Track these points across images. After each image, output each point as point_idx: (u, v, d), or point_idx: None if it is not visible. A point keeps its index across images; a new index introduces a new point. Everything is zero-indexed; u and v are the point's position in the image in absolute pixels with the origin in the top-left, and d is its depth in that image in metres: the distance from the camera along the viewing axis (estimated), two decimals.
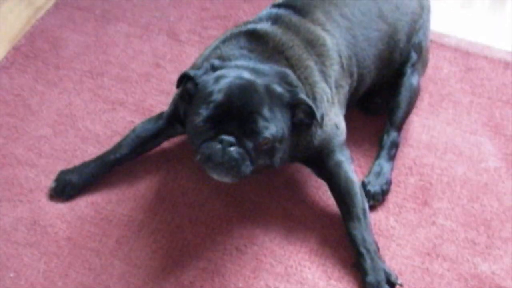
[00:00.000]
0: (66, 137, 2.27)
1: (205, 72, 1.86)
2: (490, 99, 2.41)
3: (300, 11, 2.05)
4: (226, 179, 1.81)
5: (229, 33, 2.02)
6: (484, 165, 2.23)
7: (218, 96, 1.76)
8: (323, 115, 1.90)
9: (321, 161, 2.02)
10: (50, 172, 2.17)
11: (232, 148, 1.74)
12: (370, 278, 1.92)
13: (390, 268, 1.96)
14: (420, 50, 2.26)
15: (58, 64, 2.48)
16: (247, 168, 1.77)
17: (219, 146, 1.75)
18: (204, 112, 1.76)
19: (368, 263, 1.93)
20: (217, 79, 1.80)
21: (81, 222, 2.07)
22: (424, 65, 2.34)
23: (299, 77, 1.92)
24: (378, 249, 1.98)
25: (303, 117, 1.84)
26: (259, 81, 1.80)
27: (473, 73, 2.48)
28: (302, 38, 1.99)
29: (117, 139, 2.20)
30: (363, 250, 1.94)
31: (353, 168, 2.05)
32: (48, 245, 2.02)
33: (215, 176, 1.81)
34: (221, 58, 1.91)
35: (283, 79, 1.85)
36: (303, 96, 1.82)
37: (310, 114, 1.83)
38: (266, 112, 1.75)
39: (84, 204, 2.11)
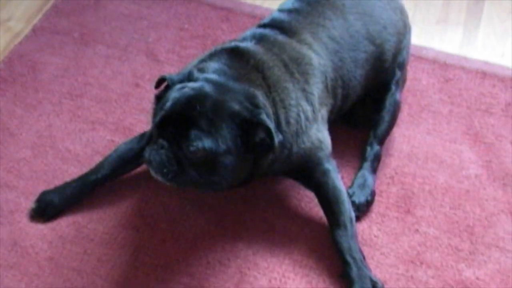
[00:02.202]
0: (46, 158, 2.26)
1: (181, 79, 1.87)
2: (468, 108, 2.42)
3: (287, 32, 2.04)
4: (160, 179, 1.84)
5: (214, 49, 2.02)
6: (465, 173, 2.23)
7: (167, 104, 1.80)
8: (283, 142, 1.88)
9: (308, 172, 2.01)
10: (30, 194, 2.15)
11: (161, 151, 1.79)
12: (357, 286, 1.91)
13: (375, 277, 1.95)
14: (403, 67, 2.29)
15: (37, 88, 2.47)
16: (175, 173, 1.80)
17: (154, 147, 1.81)
18: (157, 118, 1.81)
19: (354, 272, 1.92)
20: (180, 89, 1.82)
21: (62, 242, 2.05)
22: (404, 79, 2.36)
23: (274, 99, 1.89)
24: (364, 257, 1.97)
25: (264, 136, 1.80)
26: (214, 95, 1.79)
27: (451, 83, 2.50)
28: (286, 57, 1.97)
29: (97, 158, 2.19)
30: (349, 259, 1.93)
31: (340, 178, 2.05)
32: (29, 266, 1.99)
33: (152, 174, 1.85)
34: (201, 70, 1.90)
35: (249, 99, 1.82)
36: (263, 117, 1.79)
37: (270, 136, 1.80)
38: (204, 124, 1.76)
39: (65, 223, 2.09)
